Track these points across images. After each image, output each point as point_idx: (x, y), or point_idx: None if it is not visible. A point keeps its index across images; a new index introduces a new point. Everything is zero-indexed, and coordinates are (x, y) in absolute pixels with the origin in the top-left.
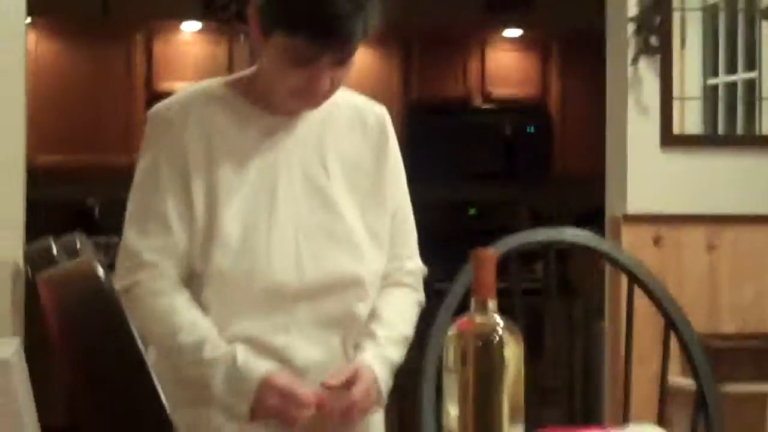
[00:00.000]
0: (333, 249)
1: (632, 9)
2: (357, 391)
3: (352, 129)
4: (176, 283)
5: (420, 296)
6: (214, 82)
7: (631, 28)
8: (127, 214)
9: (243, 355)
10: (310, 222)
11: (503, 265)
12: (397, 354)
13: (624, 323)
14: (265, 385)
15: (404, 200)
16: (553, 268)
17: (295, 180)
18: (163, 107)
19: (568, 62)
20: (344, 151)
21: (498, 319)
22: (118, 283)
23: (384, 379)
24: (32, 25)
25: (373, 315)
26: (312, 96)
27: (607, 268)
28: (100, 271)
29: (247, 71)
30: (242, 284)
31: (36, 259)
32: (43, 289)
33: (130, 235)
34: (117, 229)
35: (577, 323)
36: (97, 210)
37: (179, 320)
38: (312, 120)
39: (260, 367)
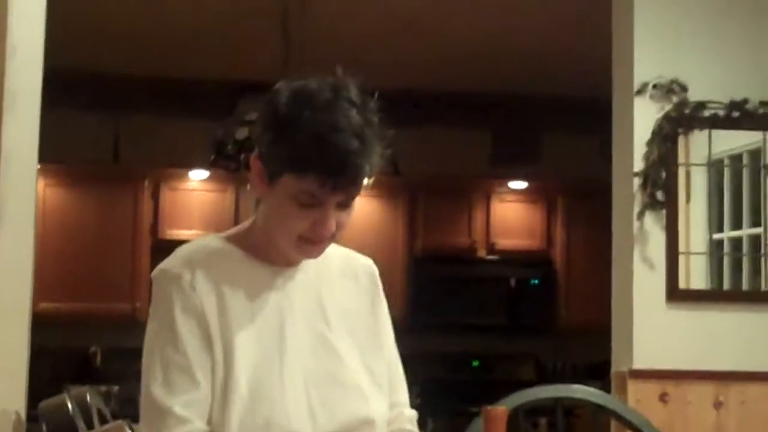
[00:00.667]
0: (341, 395)
1: (638, 164)
2: None
3: (344, 277)
4: None
5: None
6: (211, 238)
7: (636, 182)
8: (146, 370)
9: None
10: (317, 370)
11: (510, 421)
12: None
13: None
14: None
15: (395, 349)
16: (561, 424)
17: (299, 329)
18: (168, 265)
19: (573, 214)
20: (340, 298)
21: None
22: None
23: None
24: (41, 171)
25: None
26: (319, 238)
27: (613, 425)
28: None
29: (241, 225)
30: None
31: (51, 416)
32: None
33: (156, 392)
34: (118, 377)
35: None
36: (98, 357)
37: None
38: (307, 270)
39: None
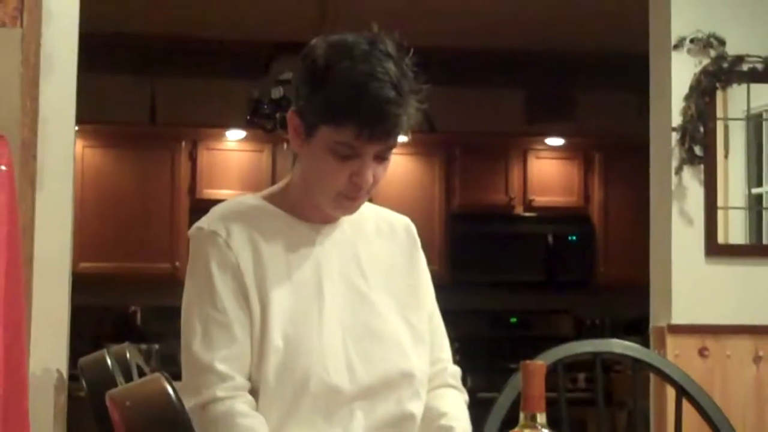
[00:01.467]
0: (380, 349)
1: (676, 119)
2: None
3: (380, 235)
4: (253, 403)
5: (466, 397)
6: (248, 197)
7: (674, 137)
8: (186, 326)
9: None
10: (355, 324)
11: (549, 375)
12: None
13: None
14: None
15: (435, 305)
16: (600, 379)
17: (336, 284)
18: (204, 223)
19: (610, 170)
20: (377, 254)
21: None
22: (193, 399)
23: None
24: (80, 132)
25: (436, 414)
26: (356, 191)
27: (653, 380)
28: (170, 390)
29: (279, 184)
30: (298, 389)
31: (90, 372)
32: (114, 408)
33: (197, 348)
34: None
35: None
36: (138, 317)
37: None
38: (344, 227)
39: None
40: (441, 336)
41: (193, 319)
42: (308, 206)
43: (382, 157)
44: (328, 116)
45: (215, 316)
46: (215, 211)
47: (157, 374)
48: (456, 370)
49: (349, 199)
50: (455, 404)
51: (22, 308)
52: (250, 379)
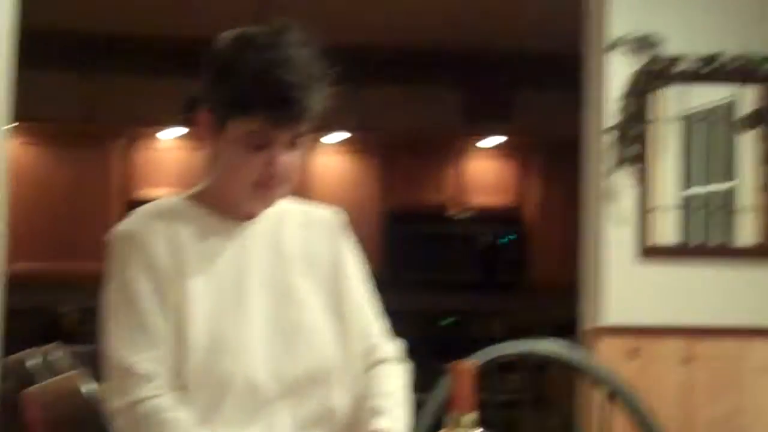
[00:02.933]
0: (304, 342)
1: (610, 119)
2: None
3: (304, 227)
4: (177, 399)
5: (407, 367)
6: (169, 198)
7: (609, 138)
8: (107, 331)
9: None
10: (278, 318)
11: (480, 377)
12: (406, 416)
13: None
14: None
15: (367, 291)
16: (530, 380)
17: (258, 279)
18: (124, 225)
19: (547, 171)
20: (299, 245)
21: None
22: (118, 400)
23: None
24: (14, 130)
25: (366, 396)
26: (271, 180)
27: (583, 381)
28: (85, 387)
29: (199, 185)
30: (222, 386)
31: (10, 370)
32: (30, 405)
33: (119, 351)
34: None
35: None
36: (69, 318)
37: None
38: (267, 221)
39: None
40: (370, 315)
41: (113, 321)
42: (228, 203)
43: (293, 144)
44: (236, 107)
45: (135, 317)
46: (135, 213)
47: (72, 372)
48: (392, 344)
49: (266, 188)
50: (383, 381)
51: None
52: (174, 377)
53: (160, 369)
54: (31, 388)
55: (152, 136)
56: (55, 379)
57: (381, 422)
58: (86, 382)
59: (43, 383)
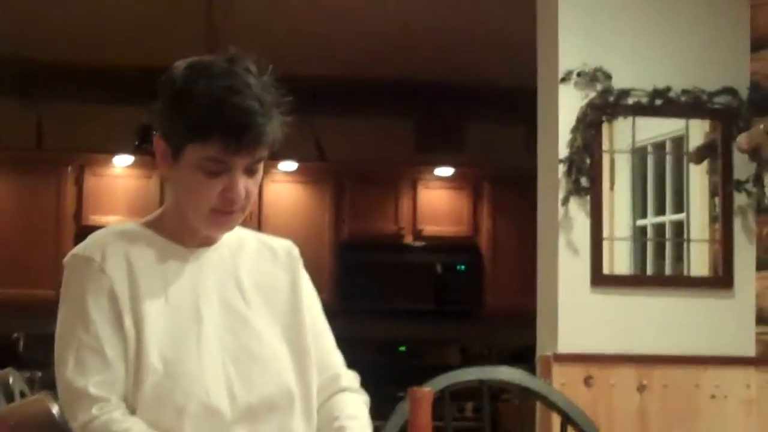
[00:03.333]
0: (260, 371)
1: (563, 150)
2: None
3: (261, 256)
4: (128, 412)
5: (365, 397)
6: (126, 224)
7: (561, 169)
8: (59, 355)
9: None
10: (234, 346)
11: (436, 404)
12: None
13: None
14: None
15: (323, 321)
16: (487, 407)
17: (215, 306)
18: (80, 250)
19: (499, 201)
20: (257, 275)
21: None
22: (72, 423)
23: None
24: None
25: (329, 420)
26: (229, 207)
27: (539, 408)
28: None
29: (157, 211)
30: (177, 412)
31: None
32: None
33: (70, 375)
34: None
35: None
36: (21, 343)
37: None
38: (223, 250)
39: None
40: (329, 345)
41: (66, 345)
42: (185, 230)
43: (251, 170)
44: (192, 134)
45: (88, 341)
46: (91, 237)
47: (41, 394)
48: (351, 375)
49: (224, 214)
50: (348, 405)
51: None
52: (126, 403)
53: (110, 392)
54: (1, 410)
55: (104, 163)
56: (23, 401)
57: None
58: (54, 404)
59: (12, 405)
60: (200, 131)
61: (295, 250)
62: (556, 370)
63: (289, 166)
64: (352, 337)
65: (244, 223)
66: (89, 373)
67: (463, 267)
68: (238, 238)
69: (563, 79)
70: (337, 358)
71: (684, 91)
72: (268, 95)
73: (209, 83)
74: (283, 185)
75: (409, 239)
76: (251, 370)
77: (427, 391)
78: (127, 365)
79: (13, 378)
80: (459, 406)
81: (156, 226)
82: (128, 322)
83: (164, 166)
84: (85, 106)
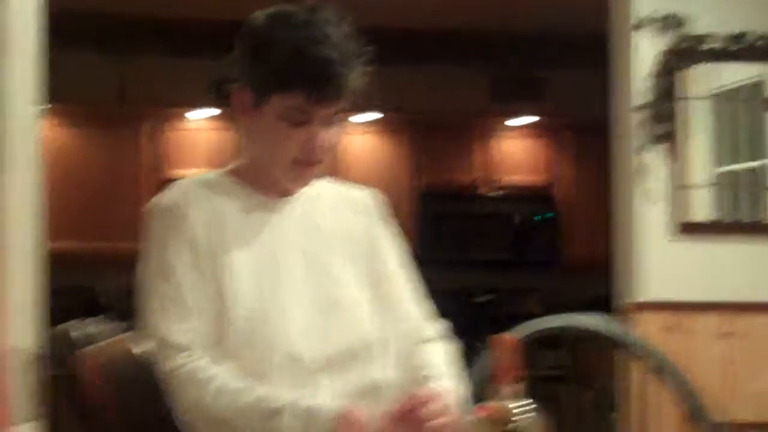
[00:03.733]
0: (342, 320)
1: (639, 98)
2: (427, 411)
3: (341, 205)
4: (213, 361)
5: (453, 346)
6: (209, 173)
7: (637, 117)
8: (144, 303)
9: (309, 399)
10: (315, 294)
11: (520, 352)
12: (458, 386)
13: (636, 412)
14: (342, 420)
15: (406, 269)
16: (569, 355)
17: (296, 256)
18: (162, 198)
19: (578, 150)
20: (336, 225)
21: (517, 404)
22: (159, 369)
23: (456, 397)
24: (49, 111)
25: (413, 370)
26: (311, 156)
27: (621, 356)
28: (136, 349)
29: (237, 162)
30: (261, 360)
31: (55, 341)
32: (86, 365)
33: (156, 324)
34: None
35: (591, 411)
36: (107, 296)
37: (232, 386)
38: (304, 199)
39: (331, 406)
40: (413, 295)
41: (150, 294)
42: (266, 180)
43: (332, 121)
44: (275, 83)
45: (171, 290)
46: (173, 186)
47: (124, 335)
48: (437, 324)
49: (305, 165)
50: (433, 355)
51: None
52: (211, 351)
53: (195, 339)
54: (87, 349)
55: (183, 116)
56: (108, 341)
57: (435, 386)
58: (138, 344)
59: (97, 345)
60: (283, 81)
61: (376, 198)
62: (636, 318)
63: (367, 116)
64: (430, 287)
65: (324, 174)
66: (173, 321)
67: (540, 217)
68: (318, 188)
69: (637, 26)
70: (419, 308)
71: (761, 36)
72: (348, 46)
73: (292, 33)
74: (361, 136)
75: (486, 189)
76: (333, 319)
77: (509, 336)
78: (210, 314)
79: (101, 325)
80: (542, 355)
81: (239, 175)
82: (212, 272)
83: (245, 116)
84: (165, 59)
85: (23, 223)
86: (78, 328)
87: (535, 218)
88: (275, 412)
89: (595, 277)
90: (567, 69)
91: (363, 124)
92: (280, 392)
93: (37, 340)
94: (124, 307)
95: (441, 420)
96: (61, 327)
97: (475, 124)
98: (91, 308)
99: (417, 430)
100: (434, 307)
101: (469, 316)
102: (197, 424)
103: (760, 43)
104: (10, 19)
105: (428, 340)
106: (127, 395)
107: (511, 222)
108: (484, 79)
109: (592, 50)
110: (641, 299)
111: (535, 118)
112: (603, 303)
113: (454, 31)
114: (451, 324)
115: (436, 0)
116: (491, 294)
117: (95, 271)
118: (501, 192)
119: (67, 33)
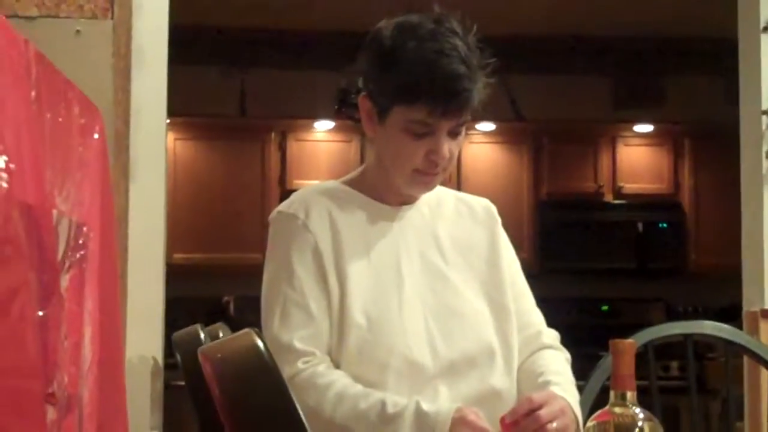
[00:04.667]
0: (461, 327)
1: (767, 101)
2: (546, 413)
3: (460, 215)
4: (332, 366)
5: (567, 355)
6: (328, 182)
7: (765, 120)
8: (266, 310)
9: (425, 403)
10: (435, 302)
11: (639, 359)
12: (576, 393)
13: (765, 422)
14: (458, 422)
15: (522, 279)
16: (692, 362)
17: (415, 263)
18: (284, 207)
19: (700, 156)
20: (455, 234)
21: (638, 410)
22: None
23: (575, 403)
24: (170, 125)
25: (533, 375)
26: (433, 168)
27: (747, 363)
28: (260, 343)
29: (357, 170)
30: (381, 366)
31: (183, 343)
32: (205, 362)
33: (276, 330)
34: (251, 324)
35: (716, 422)
36: (232, 306)
37: (352, 391)
38: (423, 208)
39: (446, 407)
40: (529, 304)
41: (272, 300)
42: (386, 189)
43: (455, 133)
44: (400, 96)
45: (293, 296)
46: (295, 195)
47: (247, 329)
48: (552, 332)
49: (426, 175)
50: (551, 361)
51: (116, 290)
52: (331, 357)
53: (315, 346)
54: (207, 345)
55: (306, 128)
56: (232, 335)
57: (556, 390)
58: (261, 337)
59: (219, 340)
60: (408, 94)
61: (493, 208)
62: (764, 325)
63: (487, 126)
64: (552, 297)
65: (444, 184)
66: (294, 328)
67: (664, 224)
68: (437, 197)
69: (766, 28)
70: (537, 316)
71: None
72: (473, 58)
73: (418, 44)
74: (481, 146)
75: (608, 197)
76: (452, 326)
77: (630, 342)
78: (331, 320)
79: (223, 331)
80: (664, 365)
81: (357, 184)
82: (332, 277)
83: (369, 125)
84: (285, 72)
85: (148, 232)
86: (206, 331)
87: (660, 226)
88: (396, 416)
89: (723, 286)
90: (687, 75)
91: (483, 133)
92: (400, 397)
93: (161, 348)
94: (250, 318)
95: (558, 423)
96: (190, 327)
97: (597, 132)
98: (217, 319)
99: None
100: (554, 316)
101: (592, 326)
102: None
103: None
104: (142, 33)
105: (546, 347)
106: (245, 392)
107: (635, 230)
108: (606, 85)
109: (712, 55)
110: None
111: (657, 125)
112: (731, 312)
113: (574, 37)
114: (573, 334)
115: (555, 7)
116: (615, 303)
117: (222, 282)
118: (624, 200)
119: (189, 46)
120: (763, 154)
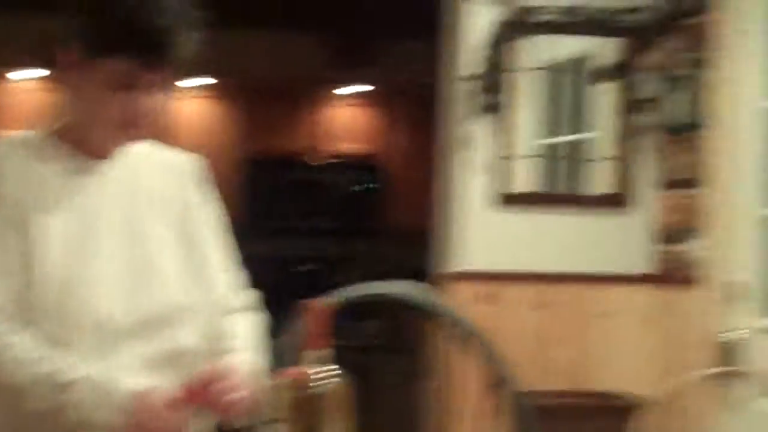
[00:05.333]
0: (155, 282)
1: (466, 68)
2: (220, 387)
3: (163, 170)
4: (18, 327)
5: (260, 317)
6: (29, 132)
7: (464, 86)
8: None
9: (106, 374)
10: (131, 257)
11: (334, 321)
12: (258, 358)
13: (449, 380)
14: (138, 401)
15: (223, 236)
16: (386, 326)
17: (113, 218)
18: None
19: (410, 120)
20: (157, 189)
21: (321, 369)
22: None
23: (255, 368)
24: None
25: (221, 336)
26: (134, 122)
27: (434, 324)
28: None
29: (59, 122)
30: (70, 320)
31: None
32: None
33: None
34: None
35: (402, 380)
36: None
37: (30, 356)
38: (127, 162)
39: (128, 383)
40: (225, 264)
41: None
42: (89, 142)
43: (159, 87)
44: (104, 47)
45: None
46: None
47: None
48: (247, 294)
49: (129, 129)
50: (234, 326)
51: None
52: (22, 314)
53: (4, 301)
54: None
55: (4, 76)
56: None
57: (232, 360)
58: None
59: None
60: (111, 46)
61: (195, 164)
62: (452, 287)
63: (195, 81)
64: (258, 255)
65: (151, 138)
66: None
67: (369, 185)
68: (139, 152)
69: None
70: (230, 276)
71: (597, 10)
72: (182, 11)
73: None
74: (191, 101)
75: (316, 157)
76: (145, 283)
77: (320, 302)
78: (19, 277)
79: None
80: (360, 325)
81: (59, 135)
82: (24, 230)
83: (70, 76)
84: None
85: None
86: None
87: (363, 187)
88: (68, 385)
89: (419, 248)
90: (400, 38)
91: (191, 88)
92: (79, 365)
93: None
94: None
95: (234, 395)
96: None
97: (307, 92)
98: None
99: (210, 405)
100: (253, 275)
101: (292, 285)
102: None
103: (594, 16)
104: None
105: (234, 311)
106: None
107: (337, 191)
108: (318, 46)
109: (422, 19)
110: (457, 268)
111: (368, 87)
112: (425, 273)
113: None
114: (271, 293)
115: None
116: (316, 263)
117: None
118: (330, 161)
119: None
120: (461, 119)
